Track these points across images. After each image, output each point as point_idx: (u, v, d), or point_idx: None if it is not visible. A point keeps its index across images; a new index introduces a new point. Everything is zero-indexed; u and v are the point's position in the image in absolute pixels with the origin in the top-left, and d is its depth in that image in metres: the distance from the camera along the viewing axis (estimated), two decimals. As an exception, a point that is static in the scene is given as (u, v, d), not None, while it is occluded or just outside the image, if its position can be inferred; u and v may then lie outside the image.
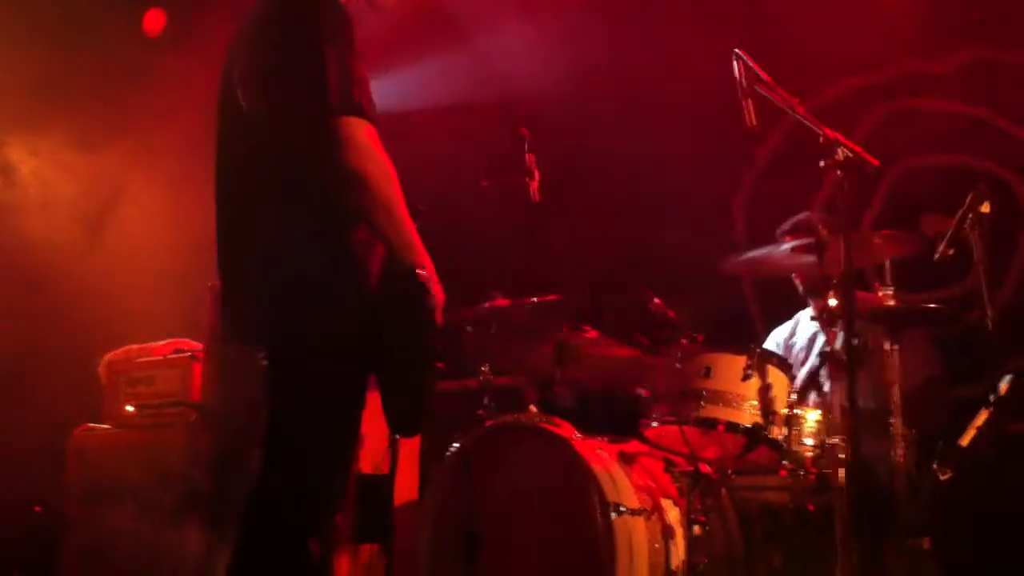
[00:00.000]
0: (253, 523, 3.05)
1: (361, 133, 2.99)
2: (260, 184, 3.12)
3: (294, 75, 3.05)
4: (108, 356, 5.28)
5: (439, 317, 3.07)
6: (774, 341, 5.34)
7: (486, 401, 4.69)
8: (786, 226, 5.06)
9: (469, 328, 4.73)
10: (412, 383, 3.06)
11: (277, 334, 3.05)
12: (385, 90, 6.69)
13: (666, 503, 4.35)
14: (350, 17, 3.14)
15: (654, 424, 4.24)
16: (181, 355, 5.17)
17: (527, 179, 4.63)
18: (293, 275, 3.02)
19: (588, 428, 4.60)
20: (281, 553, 3.00)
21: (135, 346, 5.27)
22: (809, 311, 5.20)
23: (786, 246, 4.42)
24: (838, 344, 4.04)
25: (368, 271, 3.07)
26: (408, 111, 6.64)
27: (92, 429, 5.18)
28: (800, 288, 5.15)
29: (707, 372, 4.17)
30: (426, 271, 3.01)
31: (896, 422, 4.10)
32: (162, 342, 5.20)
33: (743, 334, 5.92)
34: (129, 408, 5.13)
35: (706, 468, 4.18)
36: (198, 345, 5.15)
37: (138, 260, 6.01)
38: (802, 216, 5.06)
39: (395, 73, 6.77)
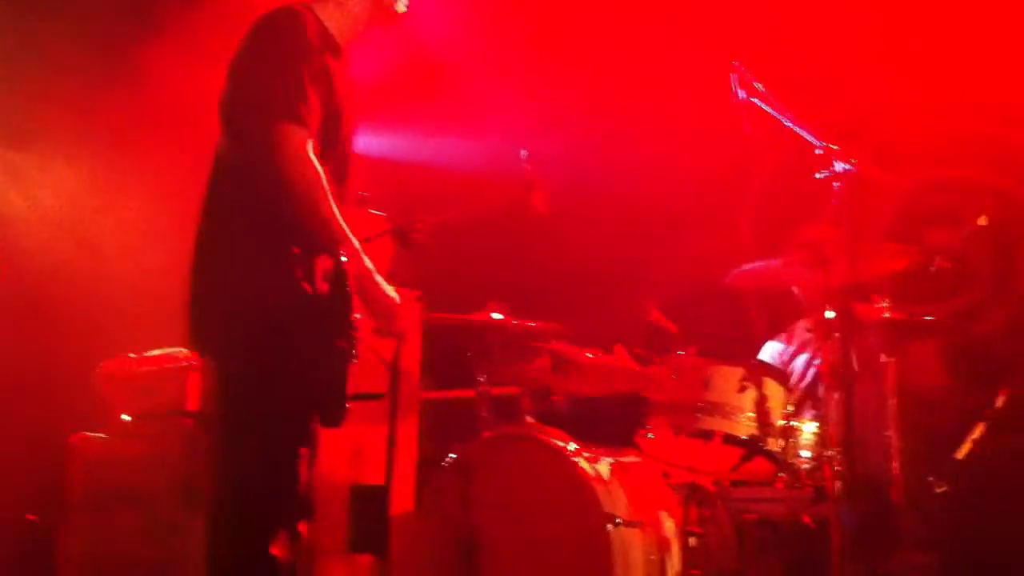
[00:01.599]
0: (212, 534, 3.11)
1: (292, 140, 3.03)
2: (212, 199, 3.19)
3: (242, 89, 3.14)
4: (105, 365, 5.27)
5: (378, 313, 3.17)
6: (771, 352, 5.33)
7: (483, 411, 4.68)
8: (794, 238, 5.05)
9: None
10: (333, 372, 3.10)
11: (221, 345, 3.11)
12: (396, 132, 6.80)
13: (662, 515, 4.34)
14: (310, 40, 3.16)
15: (651, 435, 4.23)
16: (178, 365, 5.17)
17: (529, 192, 4.62)
18: (232, 287, 3.08)
19: (585, 439, 4.59)
20: (241, 560, 3.04)
21: (132, 355, 5.27)
22: (806, 323, 5.19)
23: (787, 259, 4.41)
24: (835, 357, 4.02)
25: (306, 278, 3.08)
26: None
27: (88, 438, 5.17)
28: (802, 299, 5.14)
29: (704, 383, 4.16)
30: (352, 264, 3.07)
31: (892, 435, 4.09)
32: (159, 351, 5.19)
33: (745, 347, 5.91)
34: (126, 417, 5.13)
35: (702, 480, 4.17)
36: (195, 355, 5.15)
37: (136, 269, 6.01)
38: (805, 230, 5.05)
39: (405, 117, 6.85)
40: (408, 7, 3.45)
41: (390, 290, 3.20)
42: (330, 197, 3.06)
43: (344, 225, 3.09)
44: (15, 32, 6.11)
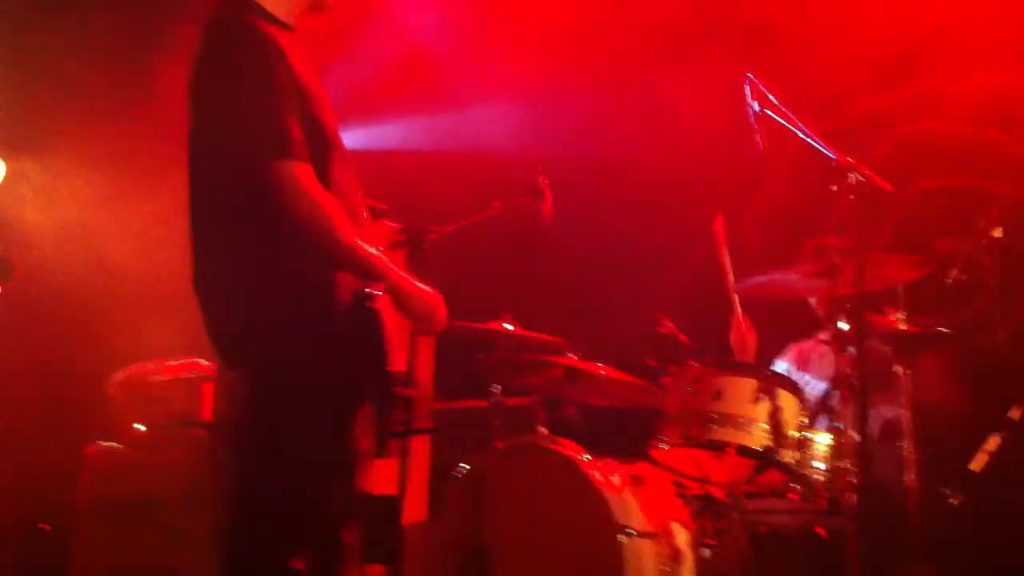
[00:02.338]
0: (232, 545, 3.07)
1: (291, 179, 2.95)
2: (217, 212, 3.10)
3: (222, 127, 3.04)
4: (119, 375, 5.29)
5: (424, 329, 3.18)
6: (785, 363, 5.33)
7: (496, 422, 4.68)
8: (805, 247, 5.05)
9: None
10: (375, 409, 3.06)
11: (252, 359, 3.06)
12: (399, 128, 6.81)
13: (675, 526, 4.33)
14: (272, 45, 3.06)
15: (664, 446, 4.22)
16: (193, 374, 5.18)
17: (538, 201, 4.62)
18: (260, 300, 3.02)
19: (597, 450, 4.59)
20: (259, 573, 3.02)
21: (147, 365, 5.28)
22: (822, 334, 5.19)
23: (797, 269, 4.41)
24: (850, 368, 4.02)
25: (332, 294, 3.04)
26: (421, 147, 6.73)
27: (102, 448, 5.18)
28: (818, 311, 5.14)
29: (717, 395, 4.15)
30: (378, 294, 3.02)
31: (907, 446, 4.09)
32: (174, 361, 5.20)
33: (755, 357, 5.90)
34: (140, 427, 5.14)
35: (716, 491, 4.16)
36: (210, 365, 5.16)
37: (150, 279, 6.03)
38: (815, 240, 5.05)
39: (409, 111, 6.85)
40: None
41: (424, 289, 3.17)
42: (346, 224, 3.00)
43: (363, 246, 3.03)
44: (31, 46, 6.14)
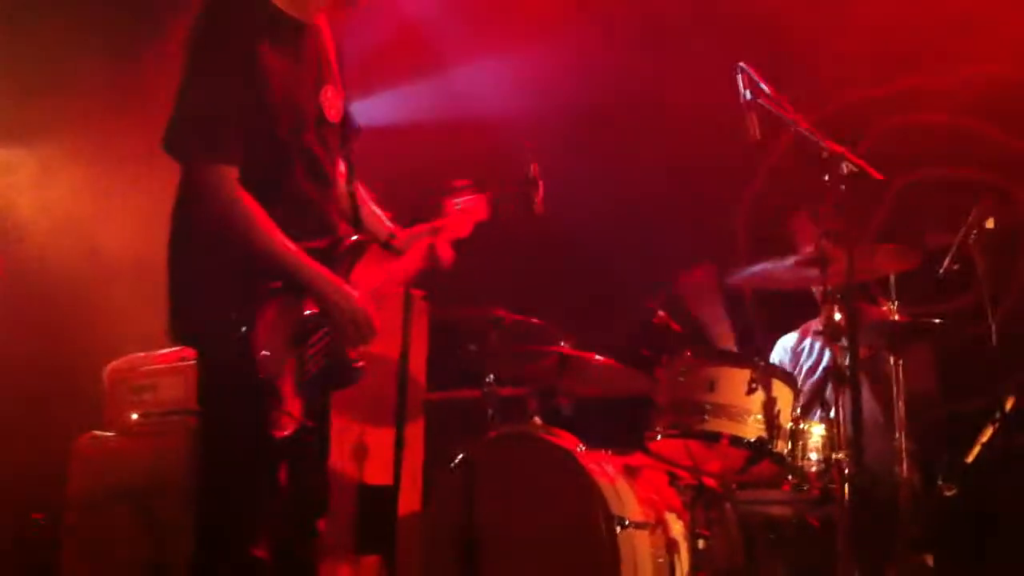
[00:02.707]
0: (196, 535, 3.12)
1: (209, 182, 3.05)
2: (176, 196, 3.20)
3: (173, 114, 3.13)
4: (111, 364, 5.27)
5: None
6: (781, 348, 5.34)
7: (490, 412, 4.68)
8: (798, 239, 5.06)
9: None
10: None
11: (189, 336, 3.16)
12: (386, 104, 6.78)
13: (670, 516, 4.35)
14: (237, 39, 3.10)
15: (658, 437, 4.23)
16: (185, 363, 5.16)
17: (531, 189, 4.60)
18: (195, 280, 3.10)
19: (592, 440, 4.60)
20: (222, 563, 3.06)
21: (139, 354, 5.27)
22: (817, 324, 5.19)
23: (789, 261, 4.42)
24: (842, 359, 4.03)
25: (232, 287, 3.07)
26: (408, 125, 6.68)
27: (95, 437, 5.17)
28: (819, 299, 5.14)
29: (711, 385, 4.16)
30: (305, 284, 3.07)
31: (900, 437, 4.10)
32: (166, 350, 5.19)
33: (744, 347, 5.92)
34: (133, 416, 5.12)
35: (710, 482, 4.18)
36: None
37: (140, 270, 6.00)
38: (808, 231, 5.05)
39: (396, 87, 6.80)
40: None
41: (349, 298, 3.14)
42: (260, 228, 3.04)
43: (283, 248, 3.05)
44: (25, 38, 6.11)
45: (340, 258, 3.24)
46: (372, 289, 3.30)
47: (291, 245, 3.07)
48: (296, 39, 3.24)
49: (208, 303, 3.06)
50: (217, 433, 3.12)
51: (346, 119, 3.38)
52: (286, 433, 3.03)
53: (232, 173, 3.05)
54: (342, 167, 3.40)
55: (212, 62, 3.10)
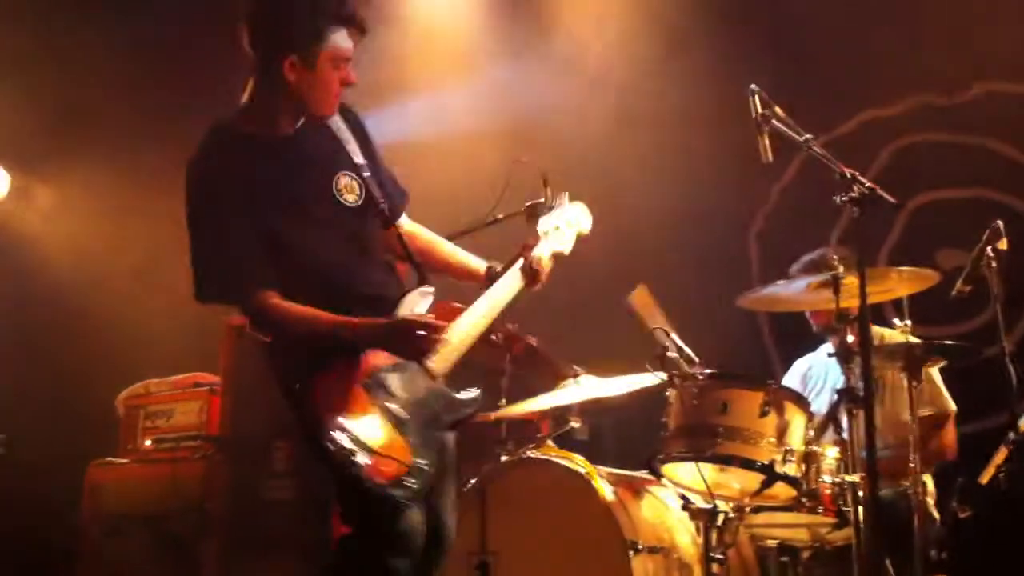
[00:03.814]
0: None
1: (254, 314, 3.24)
2: None
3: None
4: (126, 391, 5.30)
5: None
6: (796, 374, 5.33)
7: (502, 435, 4.68)
8: (803, 262, 5.06)
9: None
10: None
11: None
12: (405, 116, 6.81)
13: (683, 541, 4.32)
14: (223, 177, 3.23)
15: (670, 460, 4.21)
16: (199, 388, 5.18)
17: (542, 213, 4.60)
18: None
19: (605, 463, 4.59)
20: None
21: (153, 380, 5.29)
22: (829, 346, 5.19)
23: (802, 282, 4.41)
24: (855, 380, 4.02)
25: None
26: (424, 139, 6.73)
27: (109, 463, 5.19)
28: (814, 327, 5.14)
29: (724, 408, 4.13)
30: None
31: (915, 458, 4.08)
32: (180, 376, 5.21)
33: (758, 370, 5.90)
34: (148, 442, 5.14)
35: (723, 505, 4.15)
36: (216, 378, 5.17)
37: (155, 294, 6.04)
38: (819, 252, 5.06)
39: (416, 100, 6.86)
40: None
41: (387, 327, 3.22)
42: (297, 320, 3.18)
43: (317, 326, 3.18)
44: (46, 68, 6.17)
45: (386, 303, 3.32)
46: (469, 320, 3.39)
47: (326, 315, 3.19)
48: (283, 151, 3.32)
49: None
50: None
51: (373, 195, 3.42)
52: (386, 478, 3.07)
53: (271, 295, 3.19)
54: (373, 248, 3.45)
55: (210, 216, 3.23)
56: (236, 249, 3.19)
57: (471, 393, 3.38)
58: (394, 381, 3.19)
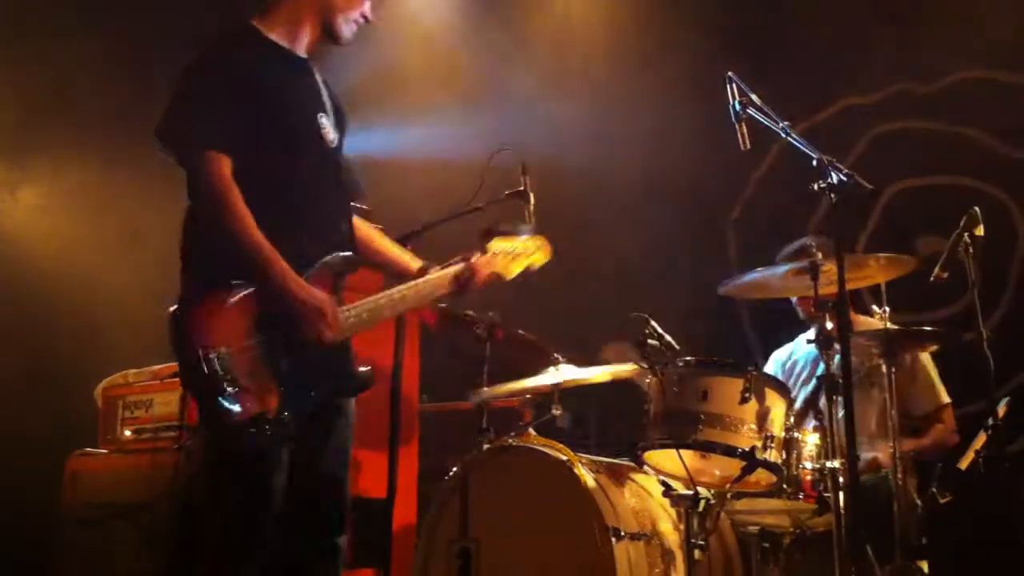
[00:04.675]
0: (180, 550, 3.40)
1: (201, 172, 3.14)
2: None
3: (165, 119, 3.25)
4: (105, 382, 5.27)
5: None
6: (774, 362, 5.35)
7: (484, 423, 4.68)
8: (786, 249, 5.07)
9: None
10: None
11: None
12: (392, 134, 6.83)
13: (665, 527, 4.34)
14: (235, 64, 3.25)
15: (652, 447, 4.22)
16: (179, 379, 5.15)
17: (522, 201, 4.60)
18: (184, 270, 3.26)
19: (586, 451, 4.60)
20: None
21: (132, 371, 5.26)
22: (809, 334, 5.20)
23: (781, 269, 4.43)
24: (835, 367, 4.03)
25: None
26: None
27: (88, 454, 5.16)
28: (801, 313, 5.16)
29: (704, 395, 4.14)
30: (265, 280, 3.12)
31: (895, 444, 4.11)
32: (160, 366, 5.18)
33: (738, 357, 5.92)
34: (127, 433, 5.12)
35: (705, 492, 4.17)
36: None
37: (134, 284, 6.02)
38: (802, 239, 5.07)
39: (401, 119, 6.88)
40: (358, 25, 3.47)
41: (308, 296, 3.18)
42: (237, 217, 3.11)
43: (251, 242, 3.11)
44: (32, 58, 6.13)
45: (332, 266, 3.28)
46: (377, 303, 3.36)
47: (267, 243, 3.12)
48: (292, 70, 3.39)
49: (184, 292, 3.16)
50: (198, 429, 3.25)
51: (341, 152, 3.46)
52: (244, 415, 3.02)
53: (223, 162, 3.14)
54: (338, 195, 3.45)
55: (207, 70, 3.26)
56: (216, 99, 3.18)
57: (364, 368, 3.33)
58: (286, 329, 3.15)
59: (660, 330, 4.39)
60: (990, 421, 3.99)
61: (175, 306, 3.11)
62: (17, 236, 6.30)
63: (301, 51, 3.43)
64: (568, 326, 5.79)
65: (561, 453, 4.37)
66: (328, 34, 3.44)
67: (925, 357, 4.88)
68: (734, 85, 4.01)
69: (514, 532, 4.33)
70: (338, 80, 3.64)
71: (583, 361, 4.73)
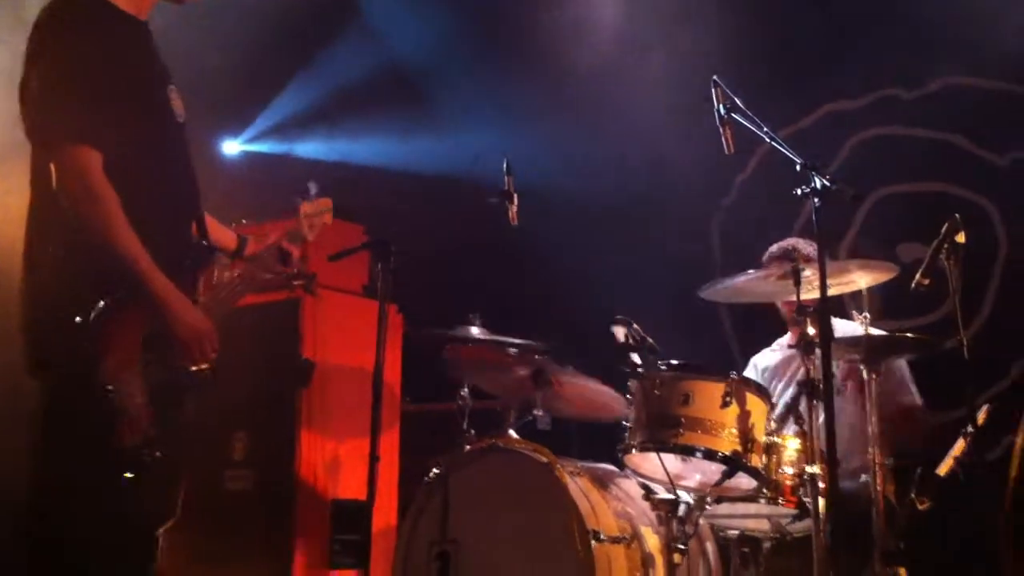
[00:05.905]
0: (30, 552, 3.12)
1: (76, 170, 2.96)
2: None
3: (33, 105, 3.07)
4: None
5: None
6: (753, 367, 5.35)
7: (465, 425, 4.67)
8: (771, 251, 5.08)
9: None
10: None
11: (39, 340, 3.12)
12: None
13: (645, 531, 4.34)
14: (98, 35, 3.08)
15: (633, 451, 4.22)
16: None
17: (506, 202, 4.60)
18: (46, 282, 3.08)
19: (567, 453, 4.59)
20: None
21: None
22: (787, 338, 5.22)
23: (762, 273, 4.43)
24: (816, 373, 4.04)
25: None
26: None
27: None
28: (785, 316, 5.16)
29: (686, 399, 4.14)
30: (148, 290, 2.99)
31: (874, 451, 4.11)
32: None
33: (719, 361, 5.92)
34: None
35: (685, 496, 4.16)
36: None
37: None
38: (780, 244, 5.09)
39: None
40: None
41: (190, 314, 3.09)
42: (115, 221, 2.95)
43: (126, 250, 2.96)
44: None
45: (194, 263, 3.23)
46: (217, 296, 3.33)
47: (146, 254, 2.98)
48: (137, 35, 3.23)
49: (57, 308, 2.95)
50: (57, 447, 3.01)
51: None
52: (128, 444, 2.95)
53: (96, 158, 2.97)
54: (191, 176, 3.34)
55: (64, 48, 3.05)
56: (81, 90, 3.00)
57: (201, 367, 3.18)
58: (162, 347, 3.05)
59: (643, 333, 4.39)
60: (969, 428, 4.00)
61: (83, 329, 2.92)
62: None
63: (144, 15, 3.26)
64: (552, 328, 5.78)
65: (542, 455, 4.36)
66: None
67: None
68: (719, 89, 4.02)
69: (494, 534, 4.32)
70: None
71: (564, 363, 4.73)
